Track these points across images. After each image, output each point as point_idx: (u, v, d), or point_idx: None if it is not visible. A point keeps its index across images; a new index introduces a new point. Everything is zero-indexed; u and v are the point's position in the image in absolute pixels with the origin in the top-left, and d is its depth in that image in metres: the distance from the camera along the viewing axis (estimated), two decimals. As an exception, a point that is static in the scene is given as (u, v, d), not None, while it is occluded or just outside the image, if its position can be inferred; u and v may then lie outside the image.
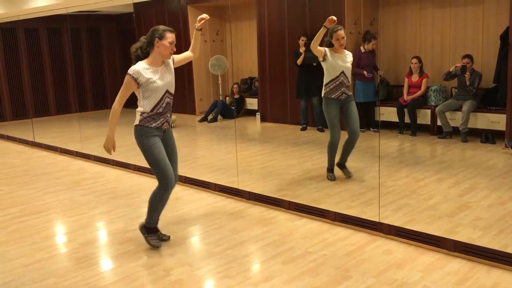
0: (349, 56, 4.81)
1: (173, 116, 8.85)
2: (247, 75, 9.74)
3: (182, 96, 10.05)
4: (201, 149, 7.28)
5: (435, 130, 6.77)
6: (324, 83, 4.82)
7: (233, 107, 9.16)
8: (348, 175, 4.97)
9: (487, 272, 3.08)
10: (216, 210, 4.46)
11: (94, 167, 6.35)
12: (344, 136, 4.87)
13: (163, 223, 4.14)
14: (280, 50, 8.29)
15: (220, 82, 9.63)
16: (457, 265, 3.18)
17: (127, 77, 3.35)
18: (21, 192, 5.31)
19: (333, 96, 4.76)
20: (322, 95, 4.85)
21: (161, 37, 3.37)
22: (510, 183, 4.66)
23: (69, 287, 3.11)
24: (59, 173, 6.12)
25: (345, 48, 4.82)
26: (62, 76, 11.19)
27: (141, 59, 3.42)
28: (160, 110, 3.43)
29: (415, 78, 6.98)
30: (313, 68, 7.55)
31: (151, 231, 3.65)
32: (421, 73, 6.96)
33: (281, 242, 3.64)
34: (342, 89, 4.74)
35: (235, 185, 4.81)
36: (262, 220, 4.12)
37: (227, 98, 9.58)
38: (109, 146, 3.52)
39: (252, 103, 9.29)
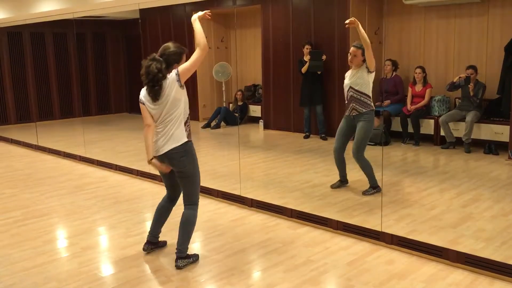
0: (362, 70, 4.59)
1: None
2: (251, 82, 9.77)
3: (186, 102, 10.07)
4: (204, 156, 7.28)
5: (438, 140, 6.76)
6: None
7: (236, 114, 9.17)
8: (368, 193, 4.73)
9: (490, 283, 3.07)
10: (218, 216, 4.46)
11: (97, 172, 6.36)
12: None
13: (166, 229, 4.13)
14: (284, 58, 8.31)
15: (223, 88, 9.65)
16: (460, 276, 3.17)
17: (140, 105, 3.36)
18: (23, 196, 5.32)
19: (346, 112, 4.76)
20: None
21: (179, 61, 3.29)
22: (513, 195, 4.65)
23: (70, 292, 3.11)
24: (62, 177, 6.13)
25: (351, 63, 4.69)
26: (66, 80, 11.23)
27: (162, 81, 3.21)
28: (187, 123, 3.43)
29: (419, 88, 6.98)
30: (317, 77, 7.57)
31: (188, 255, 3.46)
32: (425, 83, 6.97)
33: (283, 250, 3.63)
34: (352, 105, 4.65)
35: (237, 192, 4.81)
36: (264, 228, 4.12)
37: (231, 105, 9.60)
38: (158, 167, 3.38)
39: (255, 110, 9.31)
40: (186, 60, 3.29)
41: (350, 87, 4.66)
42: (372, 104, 4.66)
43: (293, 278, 3.19)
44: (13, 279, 3.29)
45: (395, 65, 7.26)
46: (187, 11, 9.59)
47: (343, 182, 4.97)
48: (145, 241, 3.68)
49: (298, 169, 5.96)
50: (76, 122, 10.34)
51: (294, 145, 7.47)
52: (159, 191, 5.30)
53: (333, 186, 4.96)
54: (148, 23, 10.23)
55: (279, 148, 7.39)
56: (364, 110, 4.62)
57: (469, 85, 6.36)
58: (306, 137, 7.72)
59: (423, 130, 6.86)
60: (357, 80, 4.61)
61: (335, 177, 5.44)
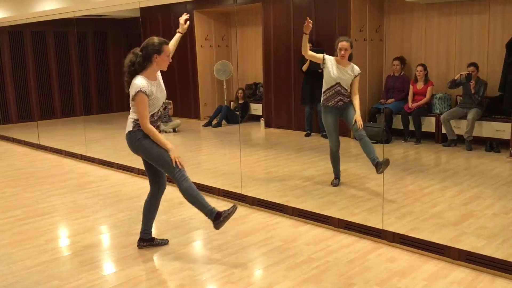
0: (352, 71, 4.72)
1: (178, 121, 8.89)
2: (252, 81, 9.76)
3: (187, 100, 10.08)
4: (205, 154, 7.29)
5: (439, 138, 6.75)
6: (322, 90, 4.84)
7: (237, 112, 9.17)
8: (384, 165, 4.45)
9: (491, 281, 3.06)
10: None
11: (99, 171, 6.36)
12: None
13: (166, 228, 4.14)
14: (285, 56, 8.31)
15: (225, 87, 9.66)
16: (461, 274, 3.17)
17: (141, 95, 3.28)
18: (25, 195, 5.33)
19: (329, 104, 4.78)
20: (321, 102, 4.87)
21: (160, 52, 3.34)
22: (515, 192, 4.64)
23: (72, 290, 3.11)
24: (64, 176, 6.13)
25: (351, 59, 4.76)
26: (68, 79, 11.24)
27: (136, 74, 3.36)
28: (155, 118, 3.45)
29: (420, 85, 6.98)
30: (318, 75, 7.50)
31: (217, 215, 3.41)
32: (426, 80, 6.96)
33: (284, 248, 3.63)
34: (338, 98, 4.74)
35: (238, 190, 4.81)
36: (266, 226, 4.12)
37: (232, 103, 9.60)
38: (176, 154, 3.38)
39: (256, 108, 9.31)
40: (169, 51, 3.44)
41: (339, 84, 4.70)
42: None
43: (295, 276, 3.19)
44: (15, 278, 3.29)
45: (403, 63, 7.25)
46: (188, 9, 9.59)
47: (339, 178, 5.02)
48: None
49: (299, 167, 5.96)
50: (78, 121, 10.34)
51: (295, 143, 7.47)
52: (161, 190, 5.31)
53: (335, 184, 4.96)
54: (148, 22, 10.23)
55: (280, 146, 7.39)
56: (348, 100, 4.77)
57: (470, 83, 6.35)
58: (307, 135, 7.72)
59: (424, 128, 6.85)
60: (348, 79, 4.72)
61: (336, 175, 5.44)
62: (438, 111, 6.86)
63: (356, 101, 4.74)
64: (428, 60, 7.21)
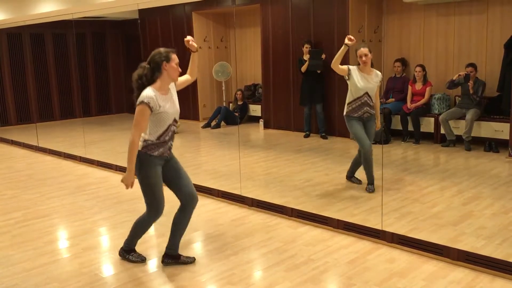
0: (376, 77, 4.71)
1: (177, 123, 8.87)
2: (251, 82, 9.77)
3: (186, 102, 10.07)
4: (204, 155, 7.29)
5: (438, 138, 6.76)
6: (346, 101, 4.75)
7: (236, 114, 9.17)
8: (357, 182, 5.00)
9: (490, 281, 3.07)
10: (219, 216, 4.46)
11: (98, 172, 6.36)
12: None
13: (166, 229, 4.14)
14: (284, 57, 8.31)
15: (223, 88, 9.66)
16: (460, 274, 3.17)
17: (142, 106, 3.08)
18: (24, 197, 5.33)
19: (355, 115, 4.70)
20: (344, 113, 4.78)
21: (168, 60, 3.18)
22: (514, 192, 4.65)
23: (71, 292, 3.11)
24: (63, 178, 6.13)
25: (372, 64, 4.73)
26: (66, 81, 11.24)
27: (145, 88, 3.17)
28: (166, 138, 3.24)
29: (419, 86, 6.98)
30: (317, 76, 7.57)
31: (130, 252, 3.55)
32: (425, 81, 6.96)
33: (284, 249, 3.63)
34: (365, 109, 4.67)
35: (238, 192, 4.81)
36: (265, 227, 4.12)
37: (231, 104, 9.60)
38: (130, 180, 3.20)
39: (255, 109, 9.31)
40: (178, 60, 3.28)
41: (367, 94, 4.65)
42: None
43: (294, 277, 3.20)
44: (14, 280, 3.29)
45: (405, 64, 7.26)
46: (186, 11, 9.59)
47: (373, 184, 4.83)
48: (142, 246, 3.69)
49: (298, 168, 5.96)
50: (77, 122, 10.34)
51: (295, 144, 7.47)
52: (160, 191, 5.31)
53: (371, 190, 4.77)
54: (147, 23, 10.23)
55: (279, 147, 7.39)
56: (373, 112, 4.75)
57: (469, 83, 6.36)
58: (306, 136, 7.72)
59: (423, 128, 6.86)
60: (374, 86, 4.69)
61: (336, 176, 5.47)
62: (437, 112, 6.87)
63: (377, 105, 4.79)
64: (427, 60, 7.22)
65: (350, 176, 5.06)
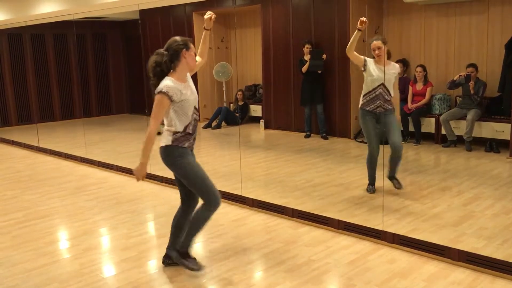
0: (393, 69, 4.57)
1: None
2: (252, 82, 9.76)
3: (187, 102, 10.06)
4: (205, 156, 7.28)
5: (439, 139, 6.75)
6: (362, 93, 4.61)
7: (237, 114, 9.17)
8: (397, 186, 4.72)
9: (491, 282, 3.06)
10: (220, 216, 4.45)
11: (98, 173, 6.36)
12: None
13: (167, 229, 4.13)
14: (284, 57, 8.31)
15: (224, 88, 9.66)
16: (461, 274, 3.17)
17: (160, 95, 3.00)
18: (25, 197, 5.33)
19: (367, 108, 4.55)
20: (359, 106, 4.65)
21: (188, 48, 3.11)
22: (515, 193, 4.64)
23: (72, 293, 3.11)
24: (63, 179, 6.13)
25: (390, 57, 4.63)
26: (67, 81, 11.24)
27: (164, 75, 3.09)
28: (191, 128, 3.16)
29: (419, 86, 6.97)
30: (318, 76, 7.57)
31: (187, 255, 3.30)
32: (426, 81, 6.96)
33: (284, 250, 3.63)
34: (379, 102, 4.50)
35: (238, 192, 4.81)
36: (266, 228, 4.12)
37: (231, 104, 9.60)
38: (142, 173, 3.12)
39: (256, 110, 9.31)
40: (195, 49, 3.22)
41: (382, 85, 4.46)
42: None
43: (295, 277, 3.19)
44: (15, 281, 3.29)
45: (406, 65, 7.25)
46: (187, 11, 9.59)
47: (374, 185, 4.78)
48: (144, 242, 3.69)
49: (299, 168, 5.96)
50: (77, 123, 10.33)
51: (295, 145, 7.47)
52: (160, 192, 5.31)
53: (372, 191, 4.73)
54: (148, 24, 10.22)
55: (280, 148, 7.39)
56: (389, 107, 4.57)
57: (469, 83, 6.36)
58: (307, 136, 7.72)
59: (424, 129, 6.85)
60: (391, 77, 4.53)
61: (336, 176, 5.46)
62: (437, 112, 6.86)
63: (397, 100, 4.68)
64: (427, 61, 7.21)
65: (391, 177, 4.75)
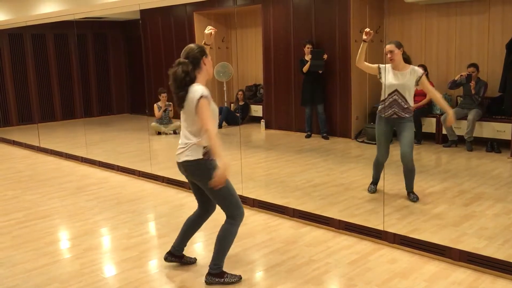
0: (411, 74, 4.33)
1: (178, 123, 8.87)
2: (252, 82, 9.76)
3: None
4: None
5: (440, 139, 6.75)
6: (381, 99, 4.52)
7: (237, 114, 9.17)
8: (413, 200, 4.48)
9: (492, 282, 3.06)
10: (220, 217, 4.43)
11: (99, 173, 6.36)
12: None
13: (167, 229, 4.14)
14: (285, 57, 8.31)
15: (225, 88, 9.66)
16: (462, 275, 3.16)
17: (203, 100, 2.93)
18: (26, 197, 5.33)
19: (383, 114, 4.44)
20: (377, 110, 4.56)
21: (206, 54, 3.07)
22: (516, 193, 4.64)
23: (72, 293, 3.11)
24: (64, 179, 6.13)
25: (409, 61, 4.44)
26: (68, 81, 11.25)
27: (191, 84, 3.00)
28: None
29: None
30: (319, 76, 7.57)
31: (223, 273, 3.15)
32: (427, 81, 6.95)
33: (285, 250, 3.63)
34: (394, 109, 4.35)
35: (239, 192, 4.78)
36: (266, 228, 4.12)
37: (232, 104, 9.60)
38: (224, 177, 2.96)
39: (256, 110, 9.31)
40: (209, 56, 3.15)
41: (397, 91, 4.32)
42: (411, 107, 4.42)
43: (296, 277, 3.19)
44: (15, 281, 3.29)
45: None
46: (188, 11, 9.59)
47: (376, 185, 4.77)
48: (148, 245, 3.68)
49: (299, 168, 5.96)
50: (78, 123, 10.34)
51: (296, 145, 7.47)
52: (161, 192, 5.31)
53: (373, 190, 4.72)
54: (148, 24, 10.23)
55: (280, 148, 7.39)
56: (406, 116, 4.37)
57: (470, 83, 6.35)
58: (308, 136, 7.72)
59: (424, 129, 6.85)
60: (408, 83, 4.32)
61: (337, 176, 5.45)
62: (438, 112, 6.86)
63: (439, 98, 4.46)
64: (428, 61, 7.21)
65: (408, 192, 4.56)
